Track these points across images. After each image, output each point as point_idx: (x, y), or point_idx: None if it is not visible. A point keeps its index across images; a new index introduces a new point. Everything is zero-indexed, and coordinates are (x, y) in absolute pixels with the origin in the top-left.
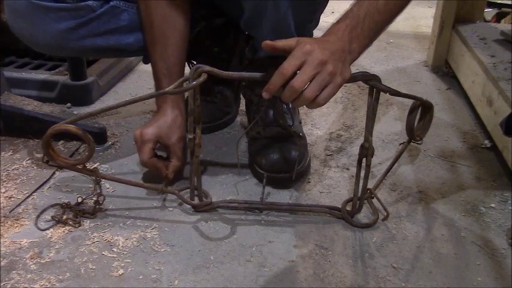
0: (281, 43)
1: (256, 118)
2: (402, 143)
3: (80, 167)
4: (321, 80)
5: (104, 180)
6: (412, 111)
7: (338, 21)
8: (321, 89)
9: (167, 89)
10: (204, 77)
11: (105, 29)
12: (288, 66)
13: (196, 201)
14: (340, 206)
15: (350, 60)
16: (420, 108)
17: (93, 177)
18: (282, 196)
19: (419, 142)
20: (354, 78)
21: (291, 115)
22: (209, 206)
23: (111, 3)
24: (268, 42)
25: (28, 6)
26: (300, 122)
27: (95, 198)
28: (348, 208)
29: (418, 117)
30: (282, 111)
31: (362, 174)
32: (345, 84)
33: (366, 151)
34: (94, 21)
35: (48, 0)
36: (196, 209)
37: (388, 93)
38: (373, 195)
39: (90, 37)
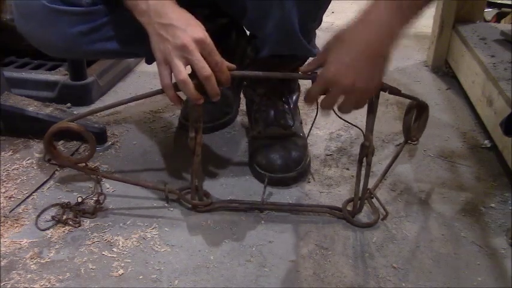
0: (312, 66)
1: (257, 118)
2: (398, 145)
3: (81, 165)
4: (352, 100)
5: (104, 180)
6: (408, 111)
7: (373, 3)
8: (355, 104)
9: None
10: None
11: (115, 33)
12: (312, 96)
13: (197, 201)
14: (340, 206)
15: (395, 43)
16: (416, 109)
17: (94, 176)
18: (282, 196)
19: (415, 143)
20: None
21: (291, 115)
22: (210, 206)
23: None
24: (302, 69)
25: (42, 9)
26: (301, 123)
27: (95, 198)
28: (349, 208)
29: (414, 117)
30: (283, 112)
31: (362, 173)
32: None
33: (367, 150)
34: (106, 25)
35: (62, 4)
36: (197, 209)
37: (387, 92)
38: (372, 195)
39: (101, 41)
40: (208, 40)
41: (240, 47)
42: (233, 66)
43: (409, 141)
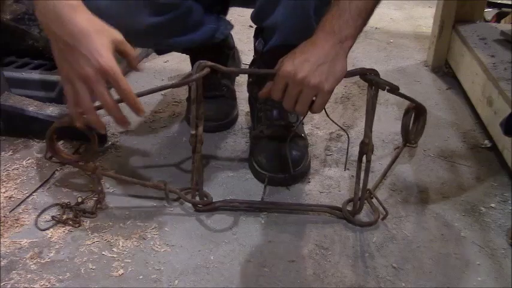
0: (270, 85)
1: (260, 117)
2: (397, 148)
3: (82, 163)
4: (306, 96)
5: (104, 179)
6: (406, 112)
7: (325, 14)
8: (309, 101)
9: (168, 83)
10: (206, 70)
11: (182, 27)
12: (275, 93)
13: (197, 200)
14: (340, 206)
15: (345, 50)
16: (414, 111)
17: (94, 175)
18: (282, 196)
19: (414, 145)
20: (352, 74)
21: (294, 116)
22: (210, 206)
23: (186, 2)
24: (263, 91)
25: None
26: (302, 123)
27: (95, 198)
28: (349, 208)
29: (413, 119)
30: (285, 112)
31: (362, 173)
32: (345, 85)
33: (366, 147)
34: (179, 18)
35: None
36: (198, 208)
37: (386, 90)
38: (372, 196)
39: (172, 34)
40: (114, 68)
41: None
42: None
43: (407, 144)
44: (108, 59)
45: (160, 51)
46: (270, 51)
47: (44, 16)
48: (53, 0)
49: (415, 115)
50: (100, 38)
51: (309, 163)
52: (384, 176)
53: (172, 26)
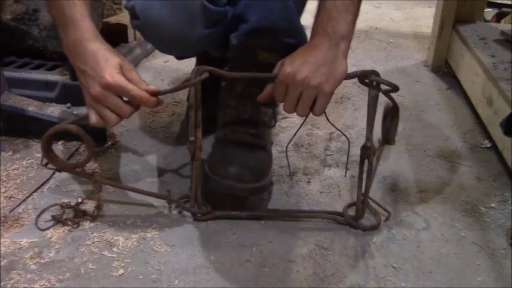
0: (270, 88)
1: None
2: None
3: (78, 170)
4: (306, 97)
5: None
6: (386, 116)
7: (315, 17)
8: (310, 103)
9: (167, 88)
10: (205, 75)
11: (226, 35)
12: (278, 96)
13: (196, 210)
14: (340, 208)
15: (343, 51)
16: (392, 112)
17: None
18: (281, 197)
19: (392, 143)
20: (352, 76)
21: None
22: (209, 215)
23: (230, 9)
24: (262, 95)
25: (195, 5)
26: (271, 143)
27: (94, 206)
28: (350, 212)
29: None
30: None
31: (363, 175)
32: (345, 85)
33: (368, 151)
34: (227, 27)
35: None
36: (197, 217)
37: (381, 92)
38: (369, 198)
39: (219, 43)
40: (117, 81)
41: None
42: (155, 89)
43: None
44: (110, 74)
45: (182, 57)
46: (243, 44)
47: (69, 50)
48: (75, 35)
49: (392, 115)
50: (106, 61)
51: (268, 183)
52: (373, 178)
53: (221, 34)
